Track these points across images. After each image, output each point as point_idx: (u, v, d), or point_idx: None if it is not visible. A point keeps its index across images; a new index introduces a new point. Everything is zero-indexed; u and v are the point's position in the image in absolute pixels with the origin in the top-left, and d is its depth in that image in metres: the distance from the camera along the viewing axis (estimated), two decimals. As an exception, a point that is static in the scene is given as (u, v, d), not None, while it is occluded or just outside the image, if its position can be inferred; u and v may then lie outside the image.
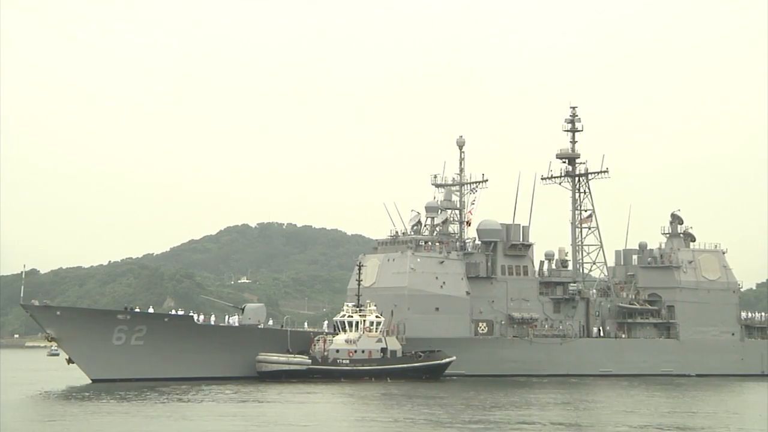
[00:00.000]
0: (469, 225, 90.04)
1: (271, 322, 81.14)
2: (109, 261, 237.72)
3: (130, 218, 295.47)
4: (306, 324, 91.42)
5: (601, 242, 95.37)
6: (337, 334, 78.12)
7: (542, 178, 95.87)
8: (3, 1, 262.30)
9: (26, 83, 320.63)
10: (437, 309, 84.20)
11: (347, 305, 79.80)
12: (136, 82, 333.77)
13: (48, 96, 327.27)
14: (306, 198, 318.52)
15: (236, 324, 79.40)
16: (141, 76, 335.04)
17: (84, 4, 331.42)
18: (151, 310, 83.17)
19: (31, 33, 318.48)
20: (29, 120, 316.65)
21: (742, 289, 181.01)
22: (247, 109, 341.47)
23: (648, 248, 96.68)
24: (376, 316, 78.41)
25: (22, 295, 71.93)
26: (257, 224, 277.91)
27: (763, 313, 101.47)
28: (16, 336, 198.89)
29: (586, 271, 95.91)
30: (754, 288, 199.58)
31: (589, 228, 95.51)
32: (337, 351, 76.68)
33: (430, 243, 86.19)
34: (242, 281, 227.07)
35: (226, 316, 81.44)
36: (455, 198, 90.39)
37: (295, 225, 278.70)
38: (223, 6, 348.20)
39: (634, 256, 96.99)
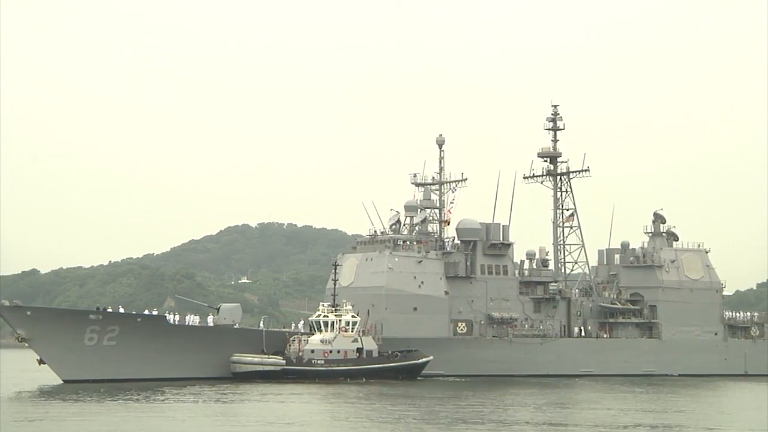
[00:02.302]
0: (449, 224, 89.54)
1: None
2: (110, 261, 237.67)
3: (130, 218, 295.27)
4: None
5: (582, 241, 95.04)
6: (313, 335, 77.86)
7: (524, 177, 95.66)
8: (3, 1, 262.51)
9: (26, 83, 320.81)
10: (415, 309, 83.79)
11: (323, 305, 79.48)
12: (136, 83, 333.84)
13: (48, 96, 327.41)
14: (306, 198, 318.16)
15: (211, 324, 79.02)
16: (141, 77, 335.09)
17: (85, 4, 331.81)
18: (121, 310, 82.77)
19: (31, 33, 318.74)
20: (29, 120, 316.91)
21: (741, 290, 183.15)
22: (248, 110, 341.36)
23: (630, 247, 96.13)
24: (352, 316, 78.06)
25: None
26: (258, 224, 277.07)
27: (748, 313, 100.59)
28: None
29: (568, 270, 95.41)
30: (755, 288, 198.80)
31: (571, 227, 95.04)
32: (312, 351, 76.32)
33: (408, 242, 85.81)
34: (243, 281, 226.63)
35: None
36: (435, 197, 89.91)
37: (296, 225, 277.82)
38: (222, 8, 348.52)
39: (617, 256, 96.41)
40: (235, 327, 78.43)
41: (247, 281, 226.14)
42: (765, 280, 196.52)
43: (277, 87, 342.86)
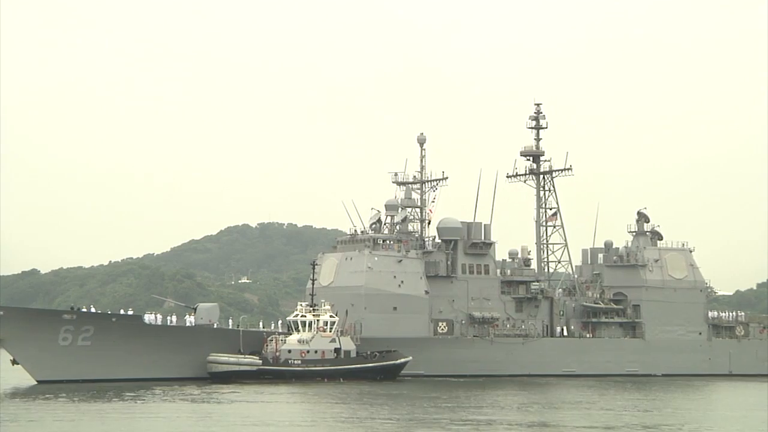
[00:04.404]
0: (430, 223, 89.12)
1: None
2: (110, 261, 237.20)
3: (130, 218, 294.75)
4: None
5: (565, 240, 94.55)
6: (291, 334, 77.55)
7: (507, 176, 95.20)
8: (3, 1, 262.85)
9: (26, 83, 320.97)
10: (395, 308, 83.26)
11: (301, 305, 79.12)
12: (135, 83, 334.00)
13: (48, 96, 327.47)
14: (306, 198, 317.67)
15: (189, 324, 78.70)
16: (141, 77, 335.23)
17: (85, 3, 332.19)
18: (93, 309, 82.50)
19: (31, 33, 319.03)
20: (29, 120, 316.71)
21: (741, 290, 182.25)
22: (247, 109, 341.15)
23: (614, 247, 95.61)
24: (331, 316, 77.71)
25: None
26: (258, 224, 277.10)
27: (733, 313, 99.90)
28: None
29: (551, 270, 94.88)
30: (755, 288, 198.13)
31: (554, 226, 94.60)
32: (289, 351, 75.93)
33: (388, 241, 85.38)
34: (243, 281, 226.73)
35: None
36: (416, 196, 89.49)
37: (296, 225, 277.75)
38: (221, 10, 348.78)
39: (600, 255, 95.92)
40: (212, 326, 78.19)
41: (247, 281, 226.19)
42: (765, 280, 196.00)
43: (276, 87, 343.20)
